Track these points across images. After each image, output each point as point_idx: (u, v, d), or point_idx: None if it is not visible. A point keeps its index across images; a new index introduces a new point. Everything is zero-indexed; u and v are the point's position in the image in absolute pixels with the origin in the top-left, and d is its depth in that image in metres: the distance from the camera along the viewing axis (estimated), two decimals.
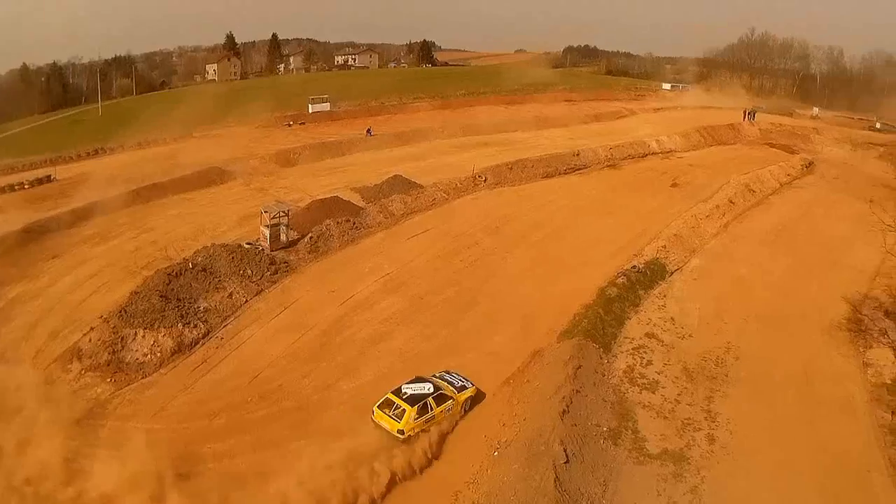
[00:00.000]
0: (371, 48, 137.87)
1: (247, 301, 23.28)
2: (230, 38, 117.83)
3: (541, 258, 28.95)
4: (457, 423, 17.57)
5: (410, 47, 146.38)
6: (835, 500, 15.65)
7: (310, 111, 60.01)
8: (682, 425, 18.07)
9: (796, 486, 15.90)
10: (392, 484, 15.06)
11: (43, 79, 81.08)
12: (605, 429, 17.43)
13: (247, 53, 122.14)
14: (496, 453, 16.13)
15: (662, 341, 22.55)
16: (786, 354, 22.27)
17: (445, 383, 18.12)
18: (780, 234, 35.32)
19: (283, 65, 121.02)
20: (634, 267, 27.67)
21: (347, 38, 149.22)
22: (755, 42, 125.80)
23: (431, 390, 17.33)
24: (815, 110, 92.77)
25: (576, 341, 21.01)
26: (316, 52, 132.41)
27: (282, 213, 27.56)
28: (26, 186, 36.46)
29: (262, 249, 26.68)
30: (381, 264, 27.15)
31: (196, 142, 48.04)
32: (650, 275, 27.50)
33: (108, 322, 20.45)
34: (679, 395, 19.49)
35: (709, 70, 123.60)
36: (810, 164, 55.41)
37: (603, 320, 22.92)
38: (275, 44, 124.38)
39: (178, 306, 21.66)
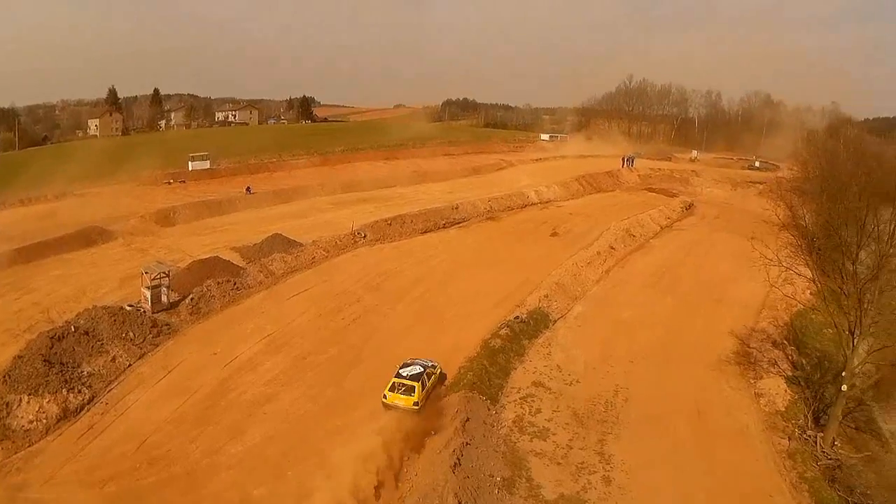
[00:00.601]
0: (251, 104, 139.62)
1: (130, 365, 23.32)
2: (112, 91, 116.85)
3: (423, 313, 29.20)
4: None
5: (290, 103, 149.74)
6: None
7: (190, 168, 59.13)
8: (577, 469, 18.28)
9: None
10: None
11: None
12: (498, 478, 17.66)
13: (128, 108, 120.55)
14: None
15: (550, 389, 22.90)
16: (676, 392, 22.78)
17: (425, 364, 22.29)
18: (663, 276, 36.23)
19: (164, 121, 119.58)
20: (517, 317, 28.06)
21: (228, 94, 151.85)
22: (633, 89, 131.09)
23: (422, 370, 21.71)
24: (695, 153, 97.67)
25: (462, 394, 21.41)
26: (196, 108, 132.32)
27: (162, 274, 27.50)
28: None
29: (144, 311, 26.66)
30: (264, 325, 27.03)
31: (77, 199, 46.85)
32: (534, 324, 27.91)
33: None
34: (571, 440, 19.77)
35: (587, 119, 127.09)
36: (690, 205, 58.33)
37: (488, 372, 23.22)
38: (157, 98, 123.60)
39: (61, 371, 21.59)
